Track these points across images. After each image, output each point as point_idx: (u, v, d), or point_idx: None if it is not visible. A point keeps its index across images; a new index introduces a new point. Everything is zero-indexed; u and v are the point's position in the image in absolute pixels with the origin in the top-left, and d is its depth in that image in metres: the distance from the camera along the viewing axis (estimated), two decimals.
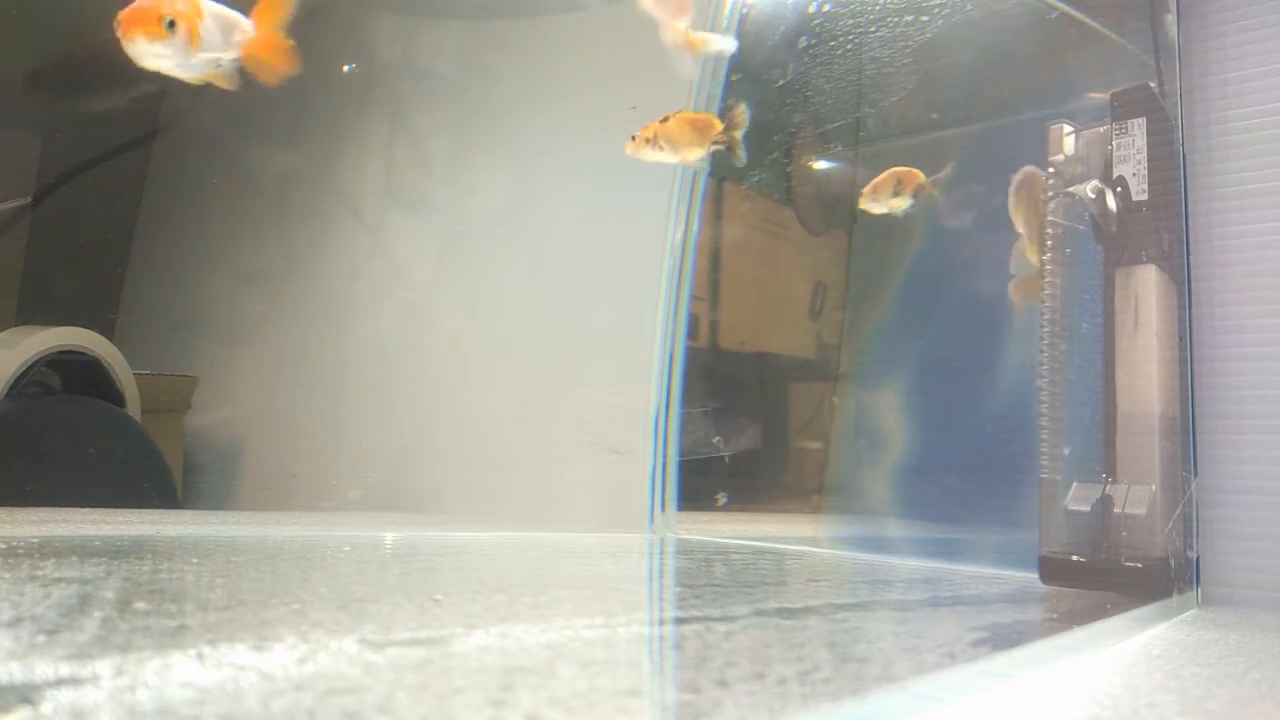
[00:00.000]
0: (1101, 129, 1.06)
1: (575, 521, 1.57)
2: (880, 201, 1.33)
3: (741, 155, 1.22)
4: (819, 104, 1.58)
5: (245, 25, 0.90)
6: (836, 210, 1.78)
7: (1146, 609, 0.91)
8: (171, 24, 0.80)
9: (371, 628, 0.56)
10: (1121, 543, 0.97)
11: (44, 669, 0.41)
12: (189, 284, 2.53)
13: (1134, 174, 1.03)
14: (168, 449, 1.92)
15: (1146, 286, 1.02)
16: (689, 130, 1.20)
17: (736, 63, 1.62)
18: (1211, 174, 1.12)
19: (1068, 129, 1.07)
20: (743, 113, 1.21)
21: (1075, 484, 1.01)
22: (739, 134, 1.21)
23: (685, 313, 1.61)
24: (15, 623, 0.51)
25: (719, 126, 1.21)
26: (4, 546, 0.85)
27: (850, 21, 1.48)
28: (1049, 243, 1.05)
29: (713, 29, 1.63)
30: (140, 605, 0.59)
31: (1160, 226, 1.04)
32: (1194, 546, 1.03)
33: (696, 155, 1.21)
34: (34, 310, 2.43)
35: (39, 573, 0.70)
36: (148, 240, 2.72)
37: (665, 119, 1.20)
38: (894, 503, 1.39)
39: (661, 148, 1.18)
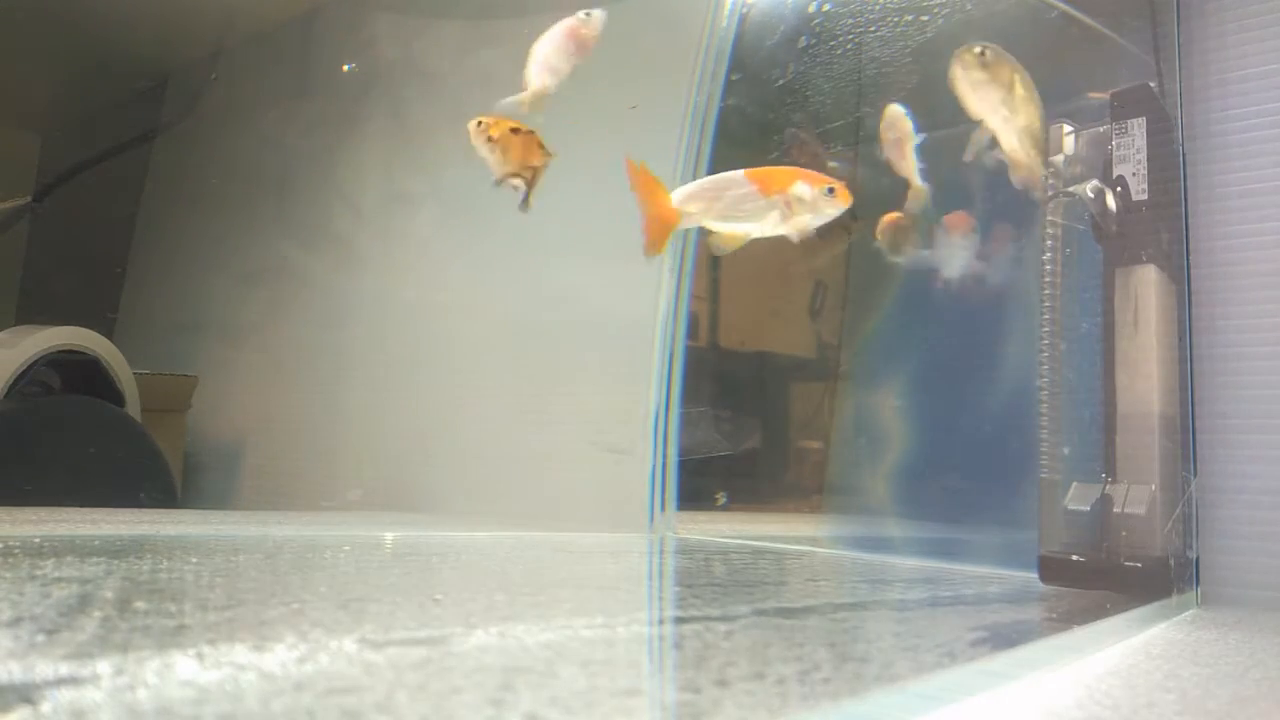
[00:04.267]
0: (1101, 129, 1.06)
1: (575, 521, 1.57)
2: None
3: (526, 204, 1.17)
4: (819, 104, 1.58)
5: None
6: None
7: (1146, 609, 0.91)
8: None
9: (371, 627, 0.56)
10: (1121, 542, 0.97)
11: (44, 669, 0.41)
12: (189, 284, 2.53)
13: (1134, 174, 1.03)
14: (168, 448, 1.92)
15: (1146, 286, 1.02)
16: (520, 156, 1.16)
17: (736, 62, 1.62)
18: (1211, 174, 1.12)
19: (1068, 129, 1.07)
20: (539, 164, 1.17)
21: (1075, 484, 1.01)
22: (529, 193, 1.16)
23: (685, 312, 1.61)
24: (15, 622, 0.51)
25: (539, 161, 1.17)
26: (4, 546, 0.85)
27: (850, 21, 1.48)
28: (1048, 242, 1.06)
29: (713, 29, 1.64)
30: (140, 605, 0.59)
31: (1160, 226, 1.04)
32: (1194, 546, 1.03)
33: (501, 174, 1.16)
34: (34, 310, 2.44)
35: (39, 572, 0.70)
36: (148, 240, 2.72)
37: (518, 130, 1.15)
38: (894, 502, 1.39)
39: (493, 151, 1.15)
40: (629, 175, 0.96)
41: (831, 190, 0.94)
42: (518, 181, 1.16)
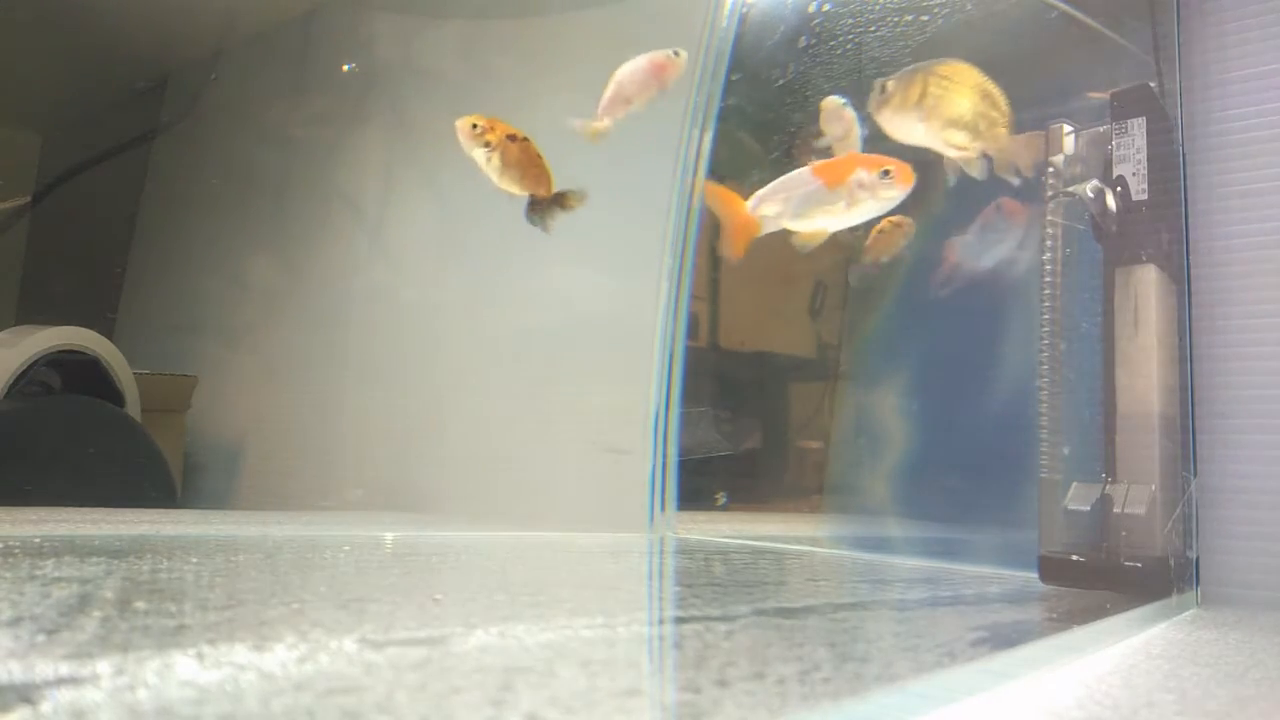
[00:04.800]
0: (1101, 129, 1.06)
1: (575, 521, 1.57)
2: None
3: (548, 226, 1.15)
4: (819, 104, 1.58)
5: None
6: None
7: (1146, 609, 0.91)
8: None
9: (371, 627, 0.56)
10: (1121, 542, 0.97)
11: (44, 668, 0.41)
12: (188, 284, 2.53)
13: (1134, 174, 1.03)
14: (168, 448, 1.92)
15: (1146, 286, 1.02)
16: (522, 172, 1.14)
17: (736, 62, 1.62)
18: (1211, 174, 1.12)
19: (1068, 129, 1.07)
20: (575, 198, 1.16)
21: (1075, 484, 1.01)
22: (554, 210, 1.15)
23: (685, 313, 1.61)
24: (15, 622, 0.51)
25: (547, 191, 1.15)
26: (4, 546, 0.85)
27: (850, 21, 1.47)
28: (1048, 242, 1.06)
29: (713, 29, 1.63)
30: (140, 605, 0.59)
31: (1160, 226, 1.04)
32: (1194, 546, 1.03)
33: (509, 188, 1.15)
34: (34, 310, 2.44)
35: (39, 572, 0.70)
36: (148, 240, 2.72)
37: (515, 137, 1.13)
38: (894, 502, 1.39)
39: (490, 159, 1.13)
40: (707, 196, 1.01)
41: (887, 173, 0.94)
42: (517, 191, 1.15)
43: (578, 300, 1.72)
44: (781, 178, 0.99)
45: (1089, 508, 0.99)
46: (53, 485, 1.58)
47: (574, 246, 1.75)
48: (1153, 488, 0.97)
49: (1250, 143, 1.10)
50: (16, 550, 0.83)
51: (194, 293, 2.50)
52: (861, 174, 0.94)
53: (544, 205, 1.16)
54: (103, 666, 0.42)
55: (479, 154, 1.13)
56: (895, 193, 0.95)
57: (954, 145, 0.96)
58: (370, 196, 2.17)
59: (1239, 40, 1.12)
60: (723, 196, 1.00)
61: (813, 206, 0.96)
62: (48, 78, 2.50)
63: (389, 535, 1.28)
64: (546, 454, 1.68)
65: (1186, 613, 0.98)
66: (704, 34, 1.63)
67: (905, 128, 0.94)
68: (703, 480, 1.61)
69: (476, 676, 0.47)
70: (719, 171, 1.68)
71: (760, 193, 0.99)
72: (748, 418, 1.79)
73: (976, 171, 0.97)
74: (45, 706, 0.36)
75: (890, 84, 0.93)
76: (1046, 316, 1.04)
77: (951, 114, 0.94)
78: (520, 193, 1.15)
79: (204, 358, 2.29)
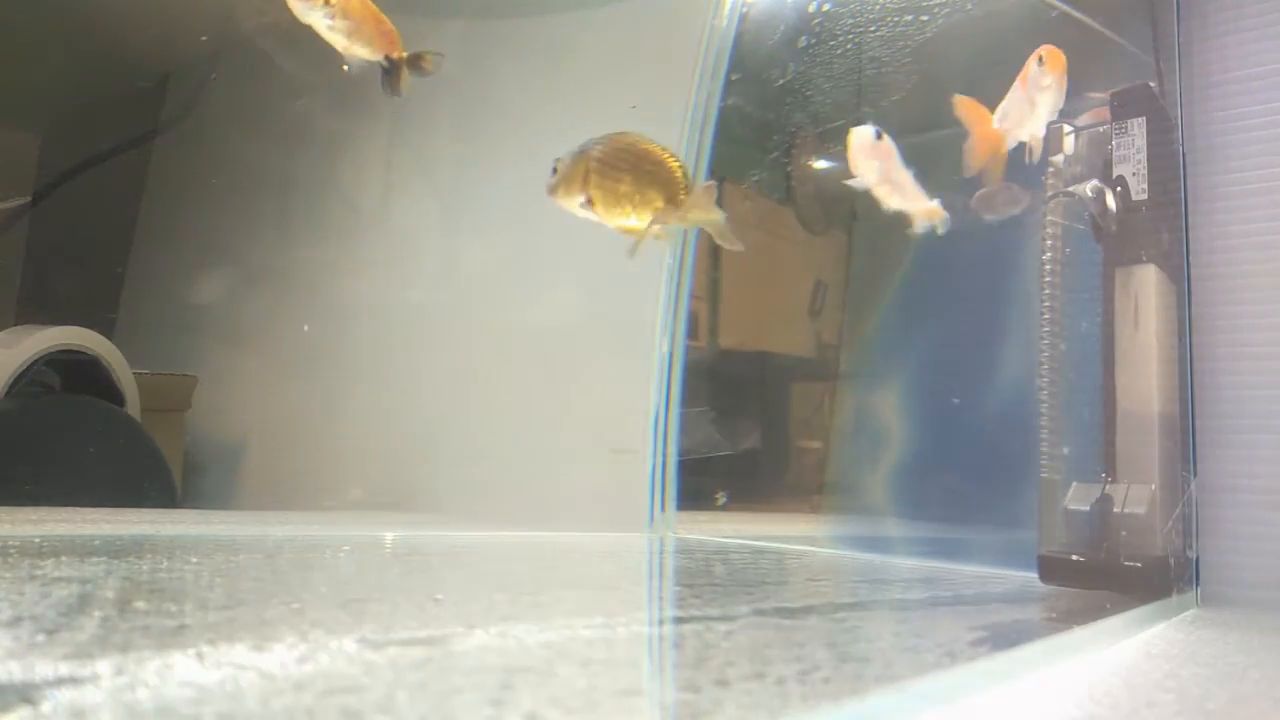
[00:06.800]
0: (1101, 129, 1.06)
1: (575, 521, 1.57)
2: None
3: (400, 88, 1.08)
4: (819, 104, 1.58)
5: None
6: (836, 210, 1.78)
7: (1146, 609, 0.91)
8: None
9: (371, 627, 0.56)
10: (1121, 542, 0.97)
11: (44, 668, 0.41)
12: (189, 284, 2.53)
13: (1134, 174, 1.03)
14: (168, 448, 1.92)
15: (1146, 286, 1.02)
16: (370, 31, 1.05)
17: (736, 62, 1.62)
18: (1211, 174, 1.12)
19: (1068, 129, 1.07)
20: (431, 60, 1.12)
21: (1075, 483, 1.01)
22: (407, 71, 1.08)
23: (685, 313, 1.61)
24: (15, 622, 0.51)
25: (400, 51, 1.08)
26: (3, 546, 0.85)
27: (850, 21, 1.48)
28: (1049, 242, 1.06)
29: (713, 29, 1.63)
30: (140, 605, 0.59)
31: (1160, 226, 1.04)
32: (1193, 546, 1.03)
33: (359, 53, 1.06)
34: (34, 310, 2.44)
35: (39, 572, 0.70)
36: (148, 240, 2.72)
37: None
38: (894, 502, 1.39)
39: (333, 19, 1.02)
40: (957, 109, 0.99)
41: (1040, 59, 0.96)
42: (360, 53, 1.04)
43: (578, 300, 1.71)
44: (1014, 85, 0.99)
45: (1089, 508, 0.99)
46: (53, 485, 1.58)
47: (575, 245, 1.75)
48: (1153, 488, 0.97)
49: (1250, 143, 1.10)
50: (16, 550, 0.83)
51: (194, 293, 2.50)
52: (1033, 68, 0.97)
53: (398, 68, 1.10)
54: (103, 666, 0.42)
55: (318, 17, 1.01)
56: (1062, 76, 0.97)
57: (626, 230, 0.95)
58: (371, 196, 2.17)
59: (1239, 40, 1.12)
60: (974, 111, 1.00)
61: (1044, 101, 0.97)
62: (48, 78, 2.50)
63: (389, 535, 1.28)
64: (546, 454, 1.68)
65: (1186, 613, 0.98)
66: (704, 34, 1.63)
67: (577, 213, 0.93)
68: (703, 480, 1.61)
69: (476, 676, 0.47)
70: (719, 172, 1.68)
71: (1002, 107, 1.00)
72: (748, 418, 1.79)
73: (656, 237, 0.96)
74: (45, 706, 0.36)
75: (561, 164, 0.92)
76: (1046, 316, 1.04)
77: (611, 201, 0.93)
78: (371, 56, 1.06)
79: (204, 357, 2.28)
